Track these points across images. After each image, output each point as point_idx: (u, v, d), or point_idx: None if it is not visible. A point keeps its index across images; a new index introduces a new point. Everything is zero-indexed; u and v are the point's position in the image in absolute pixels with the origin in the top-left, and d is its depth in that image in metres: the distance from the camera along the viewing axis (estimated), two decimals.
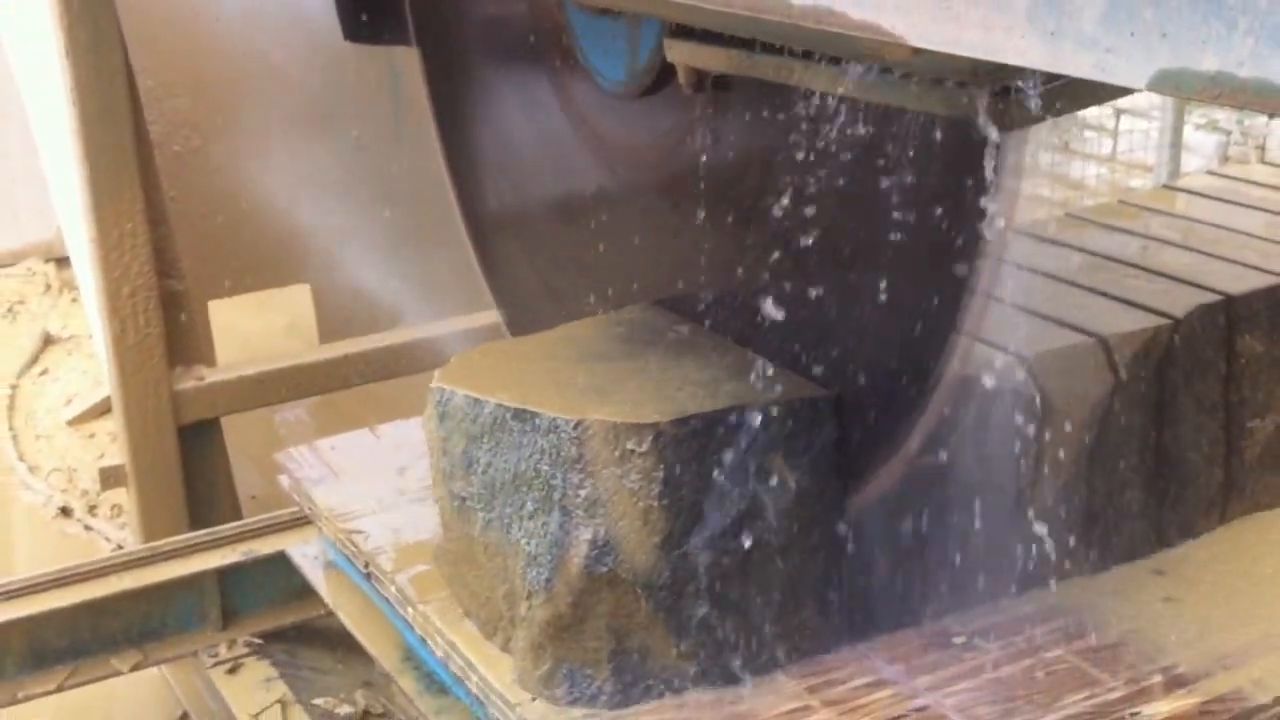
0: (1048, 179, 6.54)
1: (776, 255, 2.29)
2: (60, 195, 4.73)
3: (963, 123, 1.83)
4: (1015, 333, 2.43)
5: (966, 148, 1.88)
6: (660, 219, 2.66)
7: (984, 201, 1.91)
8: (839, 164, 2.13)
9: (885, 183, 2.08)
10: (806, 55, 1.97)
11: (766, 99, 2.24)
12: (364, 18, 3.27)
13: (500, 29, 3.08)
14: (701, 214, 2.50)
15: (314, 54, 3.93)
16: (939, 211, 2.03)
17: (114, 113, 3.55)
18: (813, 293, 2.23)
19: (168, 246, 3.73)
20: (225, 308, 4.05)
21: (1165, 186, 3.73)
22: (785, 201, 2.22)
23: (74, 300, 6.28)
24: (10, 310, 6.50)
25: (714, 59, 2.19)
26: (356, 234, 4.02)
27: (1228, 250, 2.83)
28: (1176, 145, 5.54)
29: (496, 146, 3.17)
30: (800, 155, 2.16)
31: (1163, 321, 2.49)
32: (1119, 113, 6.46)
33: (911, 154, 2.02)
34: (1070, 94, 1.80)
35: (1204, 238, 2.93)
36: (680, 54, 2.27)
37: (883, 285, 2.12)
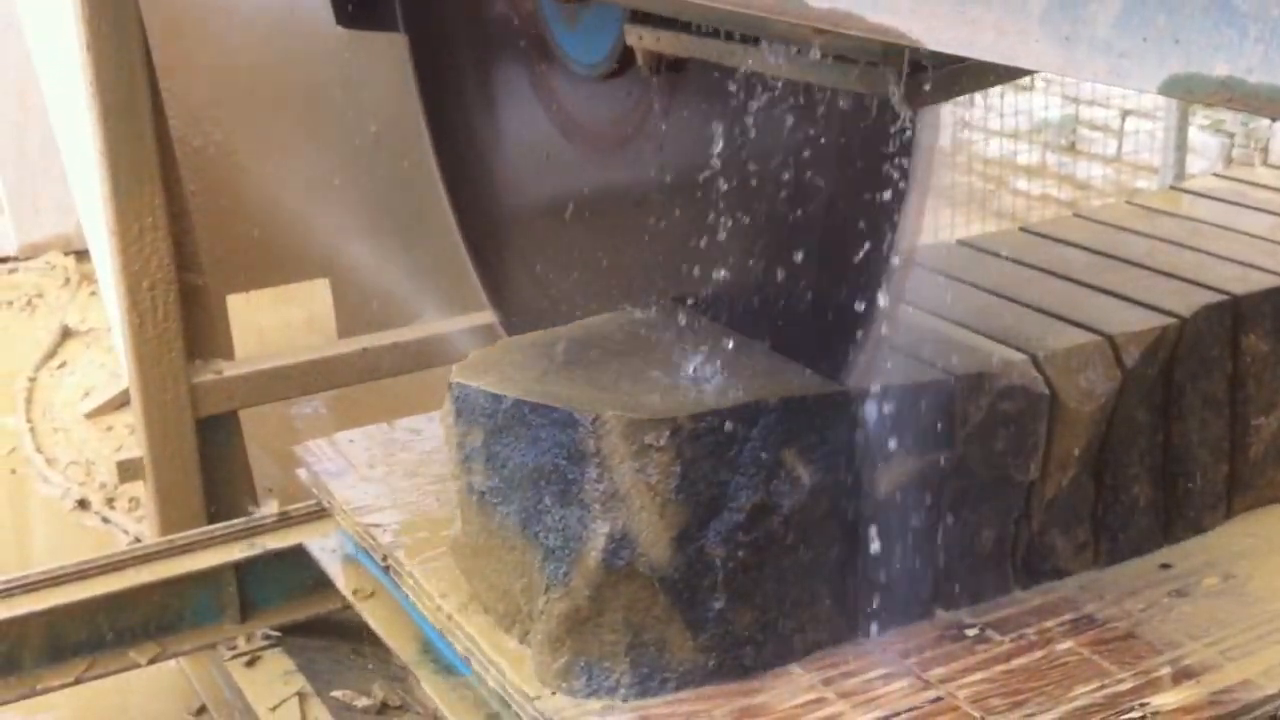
0: (1055, 178, 6.57)
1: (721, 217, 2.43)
2: (80, 189, 4.75)
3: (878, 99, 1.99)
4: (1025, 331, 2.48)
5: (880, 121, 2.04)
6: (624, 197, 2.78)
7: (898, 170, 2.07)
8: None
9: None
10: (750, 39, 2.14)
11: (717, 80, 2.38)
12: (354, 3, 3.31)
13: (483, 14, 3.13)
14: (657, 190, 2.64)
15: (335, 47, 3.94)
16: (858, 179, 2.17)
17: (134, 106, 3.56)
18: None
19: (187, 240, 3.73)
20: (244, 302, 4.06)
21: (1172, 188, 3.75)
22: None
23: (93, 293, 6.30)
24: (29, 303, 6.52)
25: (668, 43, 2.35)
26: (376, 229, 4.03)
27: (1233, 251, 2.85)
28: (1181, 147, 5.55)
29: (482, 133, 3.23)
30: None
31: (1169, 320, 2.51)
32: (1125, 114, 6.47)
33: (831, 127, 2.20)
34: (975, 73, 1.97)
35: (1210, 238, 2.94)
36: (638, 38, 2.42)
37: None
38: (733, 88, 2.30)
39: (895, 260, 2.14)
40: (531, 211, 3.15)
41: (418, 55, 3.32)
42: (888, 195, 2.09)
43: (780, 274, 2.35)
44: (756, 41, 2.14)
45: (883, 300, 2.17)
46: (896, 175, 2.07)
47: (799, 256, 2.31)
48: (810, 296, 2.33)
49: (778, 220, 2.35)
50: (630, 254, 2.78)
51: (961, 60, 1.82)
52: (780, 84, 2.22)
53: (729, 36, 2.19)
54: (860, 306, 2.19)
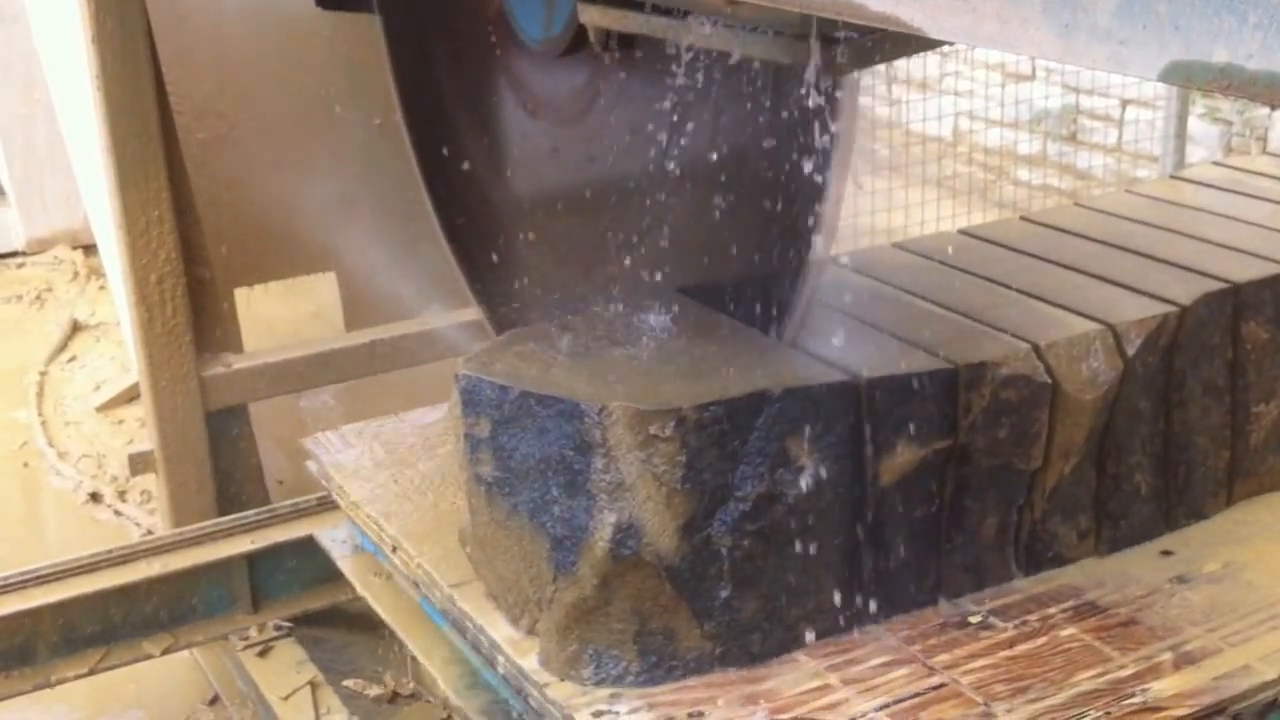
0: (1056, 168, 6.57)
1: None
2: (86, 183, 4.75)
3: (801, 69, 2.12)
4: (1027, 319, 2.50)
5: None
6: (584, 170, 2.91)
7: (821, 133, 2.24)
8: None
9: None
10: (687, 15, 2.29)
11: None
12: None
13: None
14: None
15: (339, 39, 3.95)
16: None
17: (139, 100, 3.56)
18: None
19: (194, 234, 3.74)
20: (252, 295, 4.07)
21: (1172, 176, 3.76)
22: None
23: (101, 287, 6.31)
24: (38, 297, 6.53)
25: (617, 20, 2.47)
26: (382, 220, 4.04)
27: (1233, 239, 2.86)
28: (1181, 136, 5.55)
29: (454, 112, 3.27)
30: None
31: (1170, 309, 2.52)
32: (1125, 103, 6.48)
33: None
34: (892, 44, 2.11)
35: (1210, 227, 2.95)
36: (591, 16, 2.53)
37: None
38: (678, 62, 2.44)
39: (826, 217, 2.30)
40: (504, 191, 3.21)
41: (391, 36, 3.37)
42: (818, 156, 2.26)
43: (728, 234, 2.49)
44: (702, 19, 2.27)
45: (815, 253, 2.32)
46: (823, 138, 2.23)
47: (744, 218, 2.46)
48: (751, 252, 2.46)
49: (725, 185, 2.48)
50: (591, 223, 2.88)
51: (878, 31, 1.94)
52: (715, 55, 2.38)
53: (669, 13, 2.33)
54: (797, 261, 2.33)
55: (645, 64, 2.65)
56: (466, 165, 3.27)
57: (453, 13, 3.17)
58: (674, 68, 2.46)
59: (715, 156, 2.53)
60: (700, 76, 2.44)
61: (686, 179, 2.57)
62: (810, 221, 2.30)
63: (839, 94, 2.19)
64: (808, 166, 2.26)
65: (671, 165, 2.59)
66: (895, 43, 2.12)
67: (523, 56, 3.01)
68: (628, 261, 2.69)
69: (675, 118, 2.54)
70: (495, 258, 3.26)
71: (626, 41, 2.63)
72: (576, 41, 2.75)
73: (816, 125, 2.22)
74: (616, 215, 2.76)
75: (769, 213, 2.41)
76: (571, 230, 3.00)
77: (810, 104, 2.19)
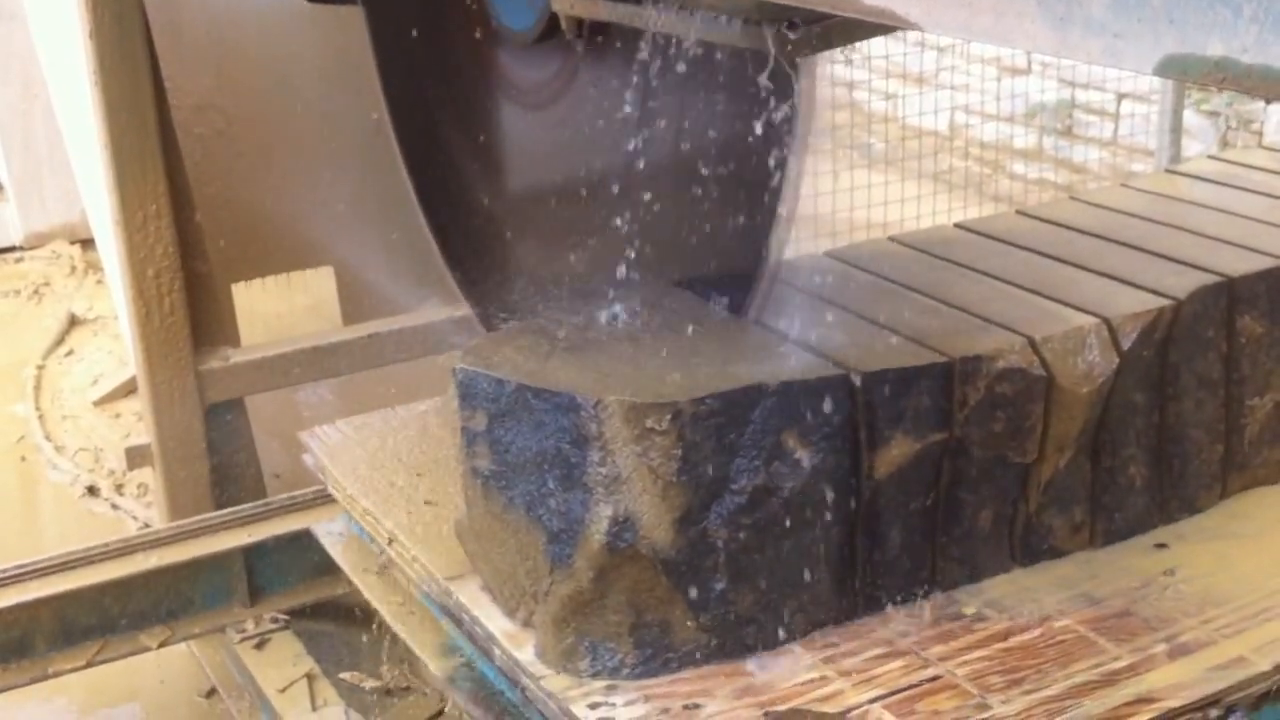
0: (1052, 162, 6.58)
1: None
2: (84, 178, 4.76)
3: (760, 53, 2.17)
4: (1023, 313, 2.51)
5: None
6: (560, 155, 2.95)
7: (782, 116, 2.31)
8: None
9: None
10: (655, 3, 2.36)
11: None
12: None
13: None
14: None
15: (337, 35, 3.95)
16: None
17: (137, 95, 3.55)
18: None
19: (192, 228, 3.73)
20: (249, 289, 4.07)
21: (1167, 170, 3.77)
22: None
23: (99, 282, 6.31)
24: (36, 292, 6.54)
25: (589, 8, 2.54)
26: (380, 216, 4.04)
27: (1228, 233, 2.86)
28: (1177, 130, 5.56)
29: (435, 102, 3.28)
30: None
31: (1165, 302, 2.53)
32: (1120, 97, 6.48)
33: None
34: (844, 29, 2.17)
35: (1205, 221, 2.96)
36: (562, 4, 2.60)
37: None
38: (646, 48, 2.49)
39: (788, 194, 2.36)
40: (491, 183, 3.23)
41: (374, 28, 3.37)
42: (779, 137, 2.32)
43: (713, 221, 2.54)
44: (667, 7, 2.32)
45: (781, 231, 2.39)
46: (785, 119, 2.30)
47: (723, 202, 2.51)
48: (732, 239, 2.50)
49: (705, 171, 2.52)
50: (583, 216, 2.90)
51: (830, 17, 2.00)
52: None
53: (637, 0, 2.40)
54: (763, 236, 2.40)
55: (624, 51, 2.66)
56: (451, 157, 3.28)
57: (433, 2, 3.18)
58: (650, 55, 2.48)
59: (691, 142, 2.56)
60: (676, 63, 2.46)
61: (672, 166, 2.59)
62: (775, 199, 2.36)
63: (800, 76, 2.24)
64: (769, 148, 2.31)
65: (657, 153, 2.61)
66: (847, 29, 2.16)
67: (503, 45, 3.02)
68: (622, 254, 2.70)
69: (652, 105, 2.57)
70: (482, 251, 3.27)
71: (600, 29, 2.64)
72: (549, 29, 2.77)
73: (777, 108, 2.26)
74: (607, 207, 2.76)
75: (741, 195, 2.45)
76: (562, 223, 3.00)
77: (772, 87, 2.24)
